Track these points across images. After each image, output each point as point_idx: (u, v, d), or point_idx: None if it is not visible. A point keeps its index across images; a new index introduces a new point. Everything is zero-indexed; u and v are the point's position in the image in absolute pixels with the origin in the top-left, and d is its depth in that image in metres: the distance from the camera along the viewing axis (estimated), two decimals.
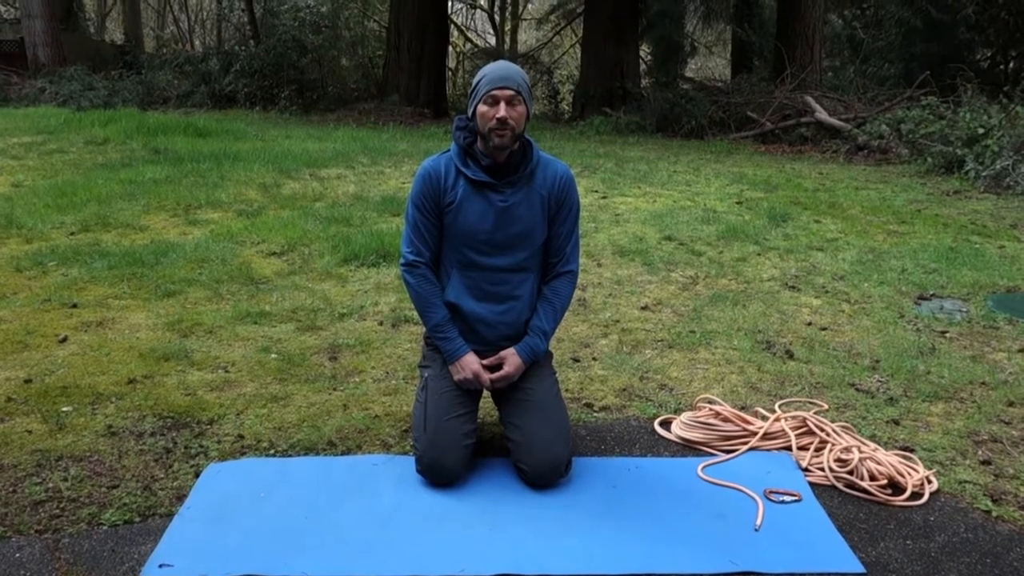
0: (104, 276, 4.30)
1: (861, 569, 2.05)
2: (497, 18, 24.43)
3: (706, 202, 6.72)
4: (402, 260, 2.54)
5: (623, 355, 3.47)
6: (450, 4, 18.88)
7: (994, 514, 2.32)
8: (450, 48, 19.62)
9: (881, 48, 16.09)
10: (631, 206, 6.49)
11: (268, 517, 2.23)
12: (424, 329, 2.61)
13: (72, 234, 5.16)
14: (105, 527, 2.17)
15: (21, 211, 5.62)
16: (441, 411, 2.43)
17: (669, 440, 2.74)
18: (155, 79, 15.26)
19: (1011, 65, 16.06)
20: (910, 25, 14.85)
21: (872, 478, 2.42)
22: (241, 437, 2.68)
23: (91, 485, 2.36)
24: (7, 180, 6.72)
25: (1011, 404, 3.04)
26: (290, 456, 2.58)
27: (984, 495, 2.41)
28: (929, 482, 2.44)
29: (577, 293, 3.91)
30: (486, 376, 2.49)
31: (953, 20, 14.34)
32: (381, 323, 3.80)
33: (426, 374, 2.55)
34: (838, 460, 2.52)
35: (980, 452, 2.67)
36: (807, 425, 2.71)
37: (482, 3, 24.71)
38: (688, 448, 2.70)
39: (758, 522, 2.25)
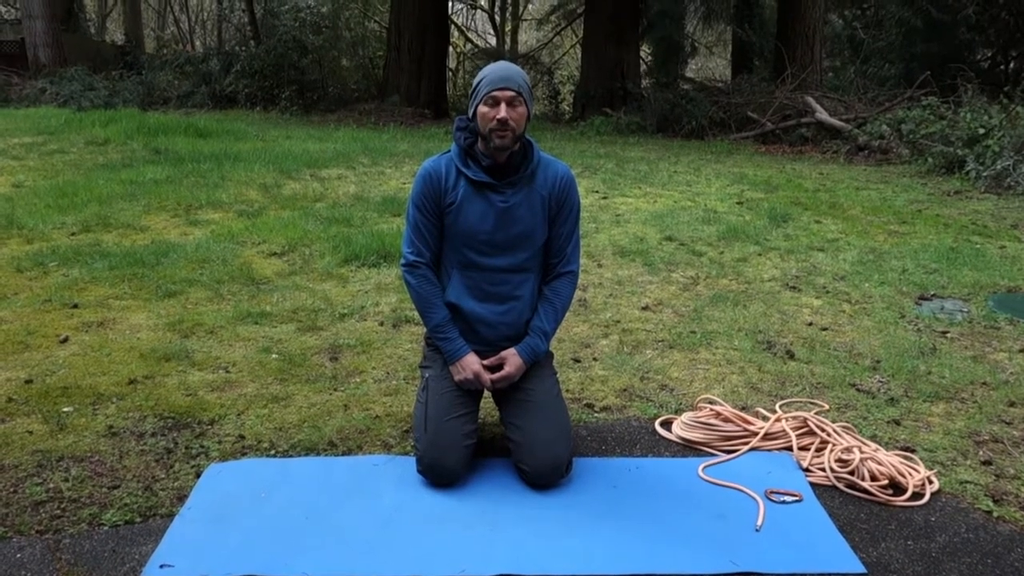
0: (105, 276, 4.30)
1: (862, 569, 2.05)
2: (497, 18, 24.44)
3: (707, 202, 6.72)
4: (403, 260, 2.54)
5: (624, 355, 3.47)
6: (450, 4, 18.90)
7: (995, 514, 2.32)
8: (450, 48, 19.62)
9: (881, 48, 16.09)
10: (632, 206, 6.49)
11: (269, 517, 2.23)
12: (425, 329, 2.61)
13: (73, 234, 5.16)
14: (106, 527, 2.17)
15: (22, 211, 5.62)
16: (442, 411, 2.43)
17: (670, 440, 2.74)
18: (156, 79, 15.27)
19: (1011, 65, 16.05)
20: (910, 25, 14.85)
21: (873, 478, 2.42)
22: (242, 437, 2.68)
23: (92, 485, 2.36)
24: (8, 180, 6.72)
25: (1012, 404, 3.04)
26: (291, 456, 2.58)
27: (985, 495, 2.41)
28: (930, 482, 2.44)
29: (578, 293, 3.91)
30: (487, 376, 2.49)
31: (953, 20, 14.34)
32: (382, 323, 3.80)
33: (427, 374, 2.55)
34: (839, 460, 2.52)
35: (981, 452, 2.67)
36: (808, 425, 2.71)
37: (482, 3, 24.72)
38: (689, 448, 2.69)
39: (759, 522, 2.25)
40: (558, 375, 2.72)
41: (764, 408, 2.95)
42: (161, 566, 2.00)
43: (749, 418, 2.79)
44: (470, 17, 26.18)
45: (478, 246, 2.47)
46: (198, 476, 2.43)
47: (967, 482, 2.49)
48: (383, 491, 2.37)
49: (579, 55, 17.16)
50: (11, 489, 2.33)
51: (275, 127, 11.62)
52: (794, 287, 4.48)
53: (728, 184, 7.72)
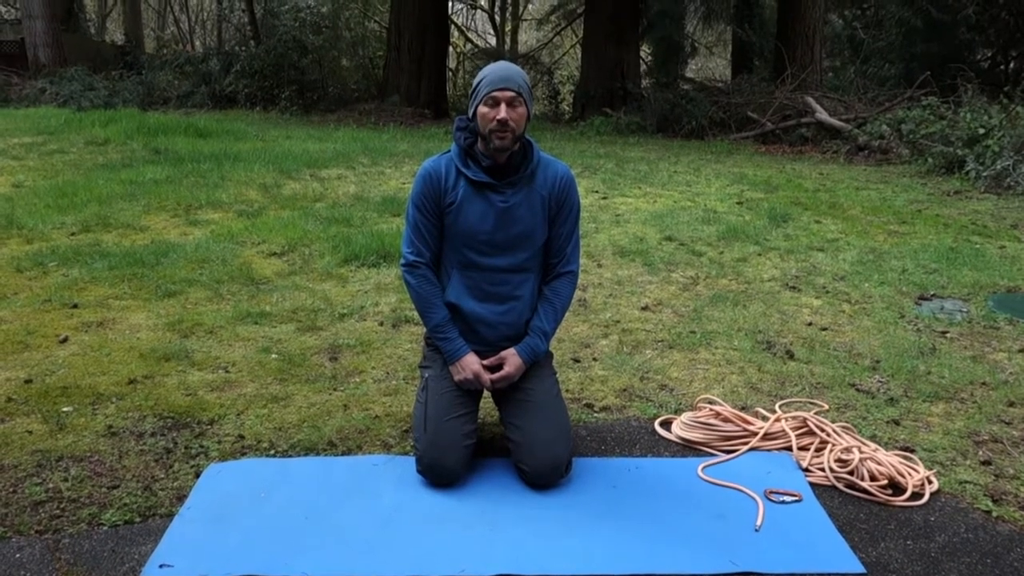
0: (104, 276, 4.30)
1: (861, 569, 2.05)
2: (497, 18, 24.44)
3: (706, 202, 6.72)
4: (402, 260, 2.54)
5: (623, 355, 3.47)
6: (450, 4, 18.89)
7: (994, 514, 2.32)
8: (450, 48, 19.62)
9: (881, 48, 16.09)
10: (631, 206, 6.49)
11: (268, 517, 2.23)
12: (424, 329, 2.61)
13: (73, 234, 5.16)
14: (105, 527, 2.17)
15: (22, 211, 5.62)
16: (441, 411, 2.43)
17: (669, 440, 2.74)
18: (155, 79, 15.26)
19: (1011, 65, 16.06)
20: (910, 25, 14.84)
21: (872, 478, 2.42)
22: (241, 437, 2.68)
23: (91, 485, 2.36)
24: (8, 180, 6.72)
25: (1011, 404, 3.04)
26: (290, 456, 2.58)
27: (984, 495, 2.41)
28: (929, 482, 2.44)
29: (577, 293, 3.91)
30: (486, 376, 2.49)
31: (953, 20, 14.34)
32: (381, 323, 3.80)
33: (426, 374, 2.55)
34: (838, 460, 2.52)
35: (980, 452, 2.67)
36: (807, 425, 2.71)
37: (482, 3, 24.72)
38: (688, 448, 2.70)
39: (758, 522, 2.25)
40: (558, 375, 2.72)
41: (764, 408, 2.95)
42: (160, 566, 2.00)
43: (749, 418, 2.79)
44: (470, 17, 26.20)
45: (478, 246, 2.47)
46: (198, 476, 2.43)
47: (966, 482, 2.49)
48: (383, 491, 2.37)
49: (579, 55, 17.16)
50: (10, 489, 2.33)
51: (275, 127, 11.62)
52: (794, 287, 4.48)
53: (728, 184, 7.72)
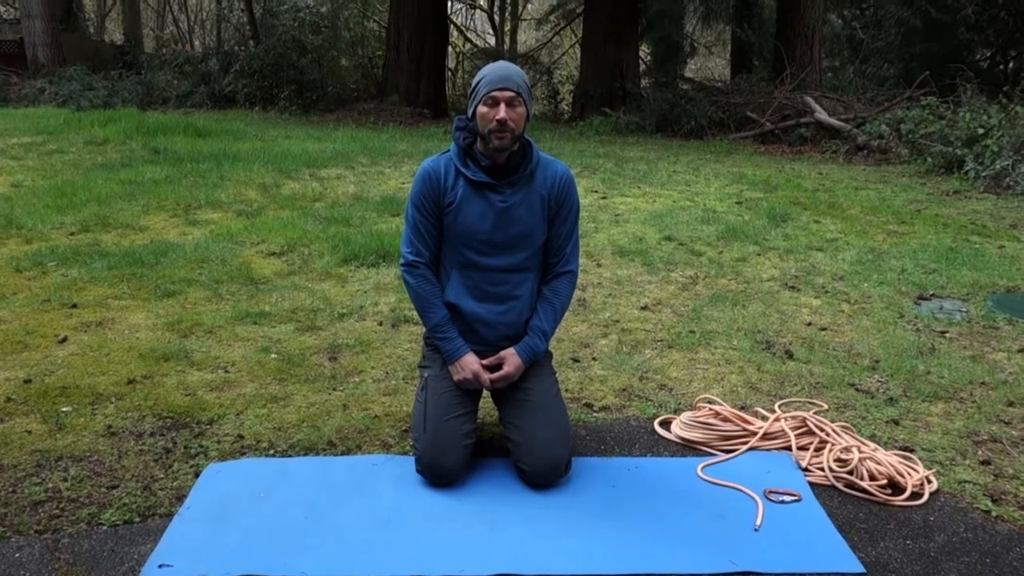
0: (104, 276, 4.30)
1: (861, 569, 2.05)
2: (497, 18, 24.43)
3: (706, 202, 6.72)
4: (402, 260, 2.54)
5: (623, 355, 3.47)
6: (450, 4, 18.89)
7: (994, 514, 2.32)
8: (450, 48, 19.62)
9: (881, 48, 16.09)
10: (631, 206, 6.49)
11: (268, 517, 2.23)
12: (424, 329, 2.61)
13: (72, 234, 5.16)
14: (105, 527, 2.17)
15: (21, 211, 5.62)
16: (441, 411, 2.43)
17: (669, 440, 2.74)
18: (155, 79, 15.26)
19: (1011, 65, 16.07)
20: (910, 25, 14.85)
21: (872, 478, 2.42)
22: (241, 437, 2.68)
23: (91, 485, 2.36)
24: (7, 180, 6.72)
25: (1011, 404, 3.04)
26: (290, 456, 2.58)
27: (984, 495, 2.41)
28: (929, 482, 2.44)
29: (577, 293, 3.91)
30: (486, 376, 2.49)
31: (953, 20, 14.35)
32: (381, 323, 3.80)
33: (426, 374, 2.55)
34: (838, 460, 2.52)
35: (980, 452, 2.67)
36: (807, 425, 2.71)
37: (482, 3, 24.72)
38: (688, 448, 2.70)
39: (758, 522, 2.25)
40: (557, 375, 2.72)
41: (763, 408, 2.95)
42: (160, 566, 2.00)
43: (748, 418, 2.79)
44: (469, 17, 26.19)
45: (477, 246, 2.47)
46: (197, 476, 2.43)
47: (966, 482, 2.49)
48: (382, 491, 2.37)
49: (578, 55, 17.17)
50: (10, 489, 2.33)
51: (274, 127, 11.62)
52: (793, 287, 4.48)
53: (727, 184, 7.72)
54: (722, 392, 3.11)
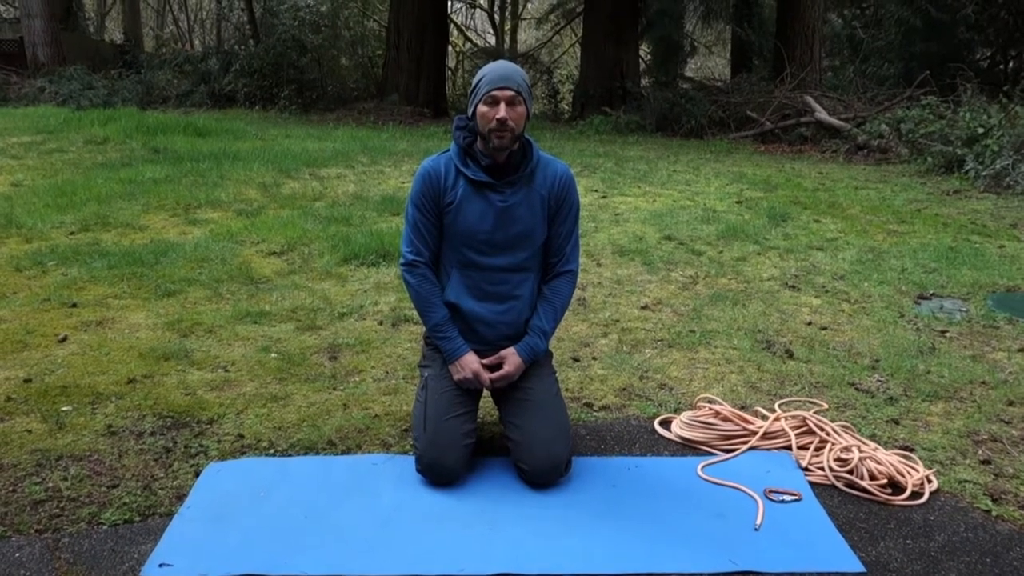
0: (104, 276, 4.30)
1: (861, 568, 2.05)
2: (497, 18, 24.43)
3: (706, 202, 6.72)
4: (402, 260, 2.54)
5: (623, 354, 3.47)
6: (450, 3, 18.88)
7: (994, 513, 2.32)
8: (450, 48, 19.62)
9: (881, 48, 16.09)
10: (631, 206, 6.49)
11: (268, 516, 2.23)
12: (424, 329, 2.61)
13: (72, 234, 5.16)
14: (105, 526, 2.17)
15: (21, 211, 5.62)
16: (441, 411, 2.43)
17: (669, 439, 2.74)
18: (154, 78, 15.26)
19: (1011, 65, 16.07)
20: (910, 25, 14.84)
21: (872, 477, 2.42)
22: (241, 436, 2.68)
23: (91, 485, 2.36)
24: (7, 180, 6.72)
25: (1011, 403, 3.04)
26: (290, 455, 2.58)
27: (984, 494, 2.41)
28: (929, 481, 2.44)
29: (577, 293, 3.91)
30: (486, 375, 2.49)
31: (953, 20, 14.34)
32: (381, 323, 3.79)
33: (426, 374, 2.55)
34: (838, 459, 2.52)
35: (980, 451, 2.67)
36: (807, 424, 2.71)
37: (482, 3, 24.71)
38: (688, 447, 2.70)
39: (758, 521, 2.25)
40: (557, 374, 2.72)
41: (763, 407, 2.95)
42: (160, 565, 2.00)
43: (748, 417, 2.79)
44: (469, 16, 26.18)
45: (477, 245, 2.47)
46: (197, 475, 2.43)
47: (966, 481, 2.49)
48: (382, 490, 2.37)
49: (578, 54, 17.17)
50: (10, 488, 2.33)
51: (274, 126, 11.62)
52: (793, 286, 4.48)
53: (727, 183, 7.72)
54: (722, 391, 3.11)
